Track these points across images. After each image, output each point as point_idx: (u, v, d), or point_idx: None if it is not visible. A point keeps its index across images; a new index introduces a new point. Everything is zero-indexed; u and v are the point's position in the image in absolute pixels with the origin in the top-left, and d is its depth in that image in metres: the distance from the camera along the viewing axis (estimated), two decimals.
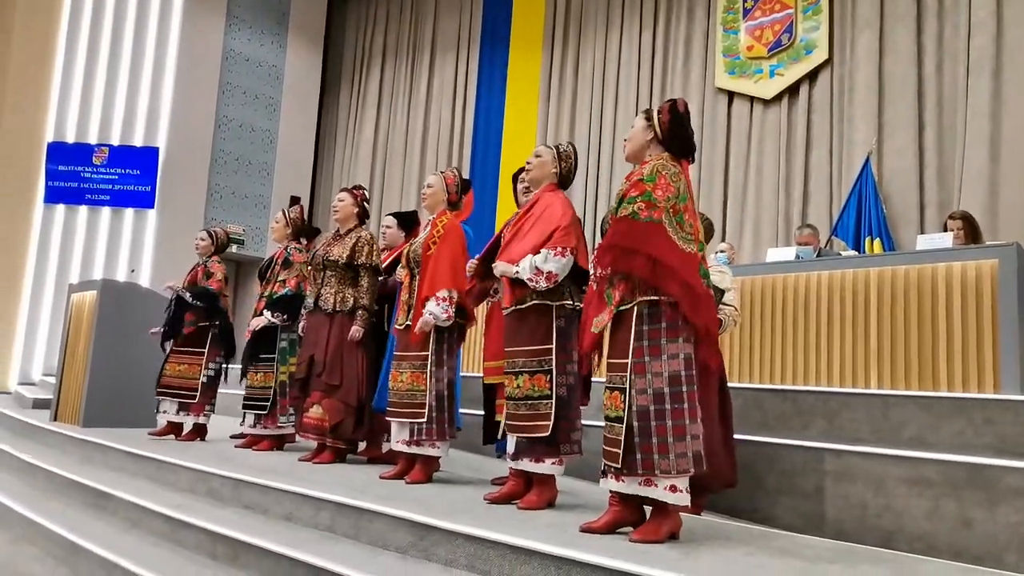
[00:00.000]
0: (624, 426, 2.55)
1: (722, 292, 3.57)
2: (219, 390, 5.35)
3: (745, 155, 8.11)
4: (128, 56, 10.26)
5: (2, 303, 9.47)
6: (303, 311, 4.64)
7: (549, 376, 3.07)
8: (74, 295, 6.44)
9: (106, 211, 10.07)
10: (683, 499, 2.54)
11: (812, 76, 7.74)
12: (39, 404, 7.34)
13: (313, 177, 12.25)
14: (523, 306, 3.17)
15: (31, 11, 9.88)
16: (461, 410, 4.03)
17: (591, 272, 2.83)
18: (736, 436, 3.45)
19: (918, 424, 3.60)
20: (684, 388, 2.55)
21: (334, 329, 4.35)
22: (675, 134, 2.79)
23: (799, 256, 4.98)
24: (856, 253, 6.17)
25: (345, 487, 3.38)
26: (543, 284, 3.08)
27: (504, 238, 3.35)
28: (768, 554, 2.49)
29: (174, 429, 5.25)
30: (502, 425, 3.46)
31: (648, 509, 2.66)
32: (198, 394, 5.13)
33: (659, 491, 2.53)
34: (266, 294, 4.92)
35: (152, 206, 10.10)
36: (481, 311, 3.98)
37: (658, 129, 2.81)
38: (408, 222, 4.88)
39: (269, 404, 4.76)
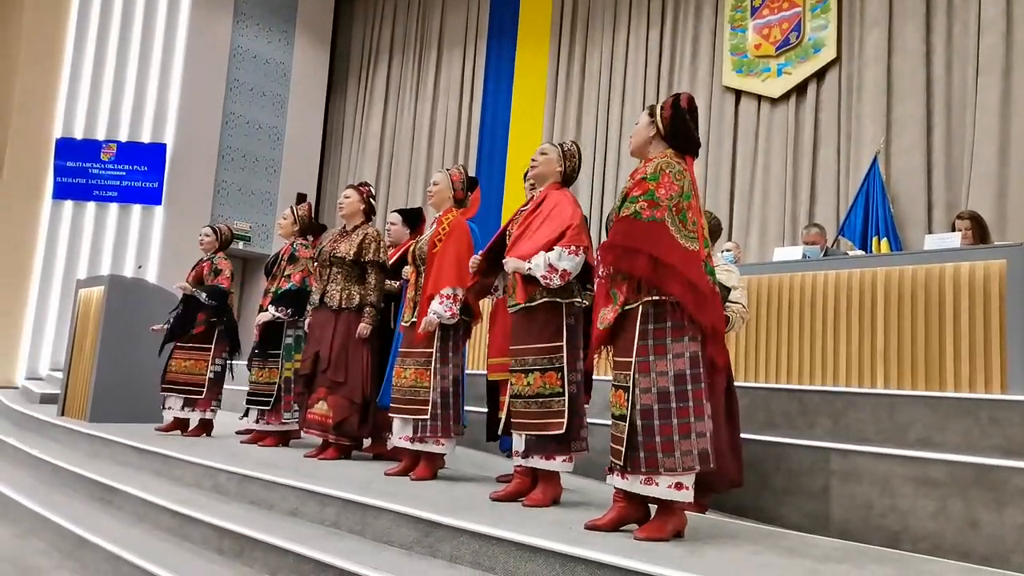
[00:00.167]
0: (627, 424, 2.55)
1: (728, 290, 3.56)
2: (225, 386, 5.37)
3: (752, 154, 8.08)
4: (136, 53, 10.29)
5: (10, 298, 9.52)
6: (308, 307, 4.64)
7: (561, 373, 3.07)
8: (82, 291, 6.47)
9: (114, 207, 10.10)
10: (687, 496, 2.54)
11: (820, 75, 7.71)
12: (46, 399, 7.37)
13: (320, 173, 12.27)
14: (532, 304, 3.16)
15: (40, 8, 9.91)
16: (466, 407, 4.03)
17: (598, 270, 2.82)
18: (742, 435, 3.45)
19: (925, 424, 3.59)
20: (690, 387, 2.55)
21: (340, 326, 4.36)
22: (678, 130, 2.77)
23: (806, 255, 4.96)
24: (863, 253, 6.15)
25: (350, 483, 3.39)
26: (557, 281, 3.08)
27: (512, 234, 3.34)
28: (775, 553, 2.48)
29: (180, 425, 5.27)
30: (503, 422, 3.46)
31: (653, 508, 2.66)
32: (205, 389, 5.15)
33: (661, 489, 2.53)
34: (272, 290, 4.93)
35: (159, 202, 10.14)
36: (485, 308, 3.98)
37: (661, 125, 2.79)
38: (413, 219, 4.88)
39: (272, 400, 4.78)
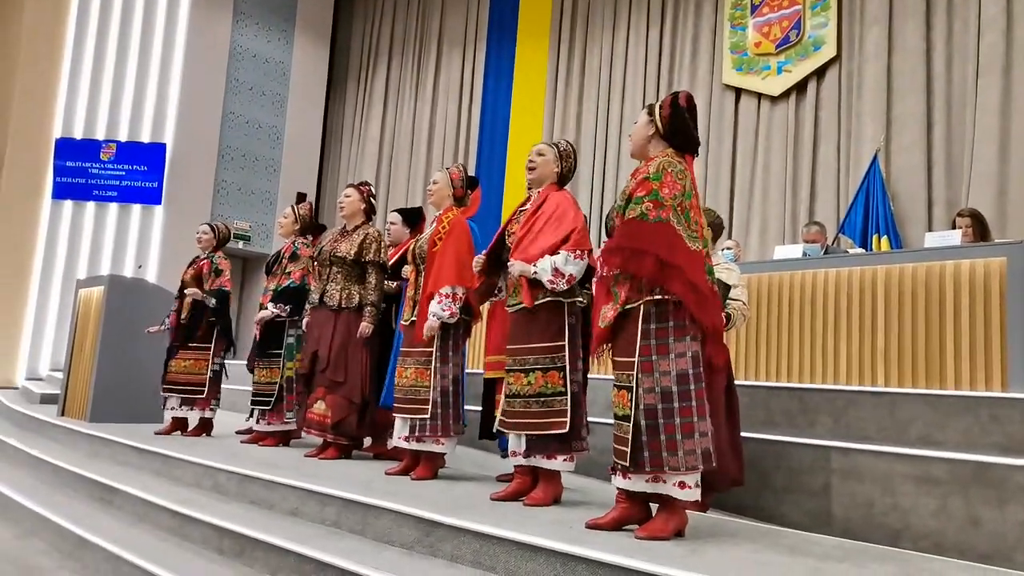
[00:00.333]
0: (631, 424, 2.55)
1: (728, 288, 3.56)
2: (223, 386, 5.36)
3: (752, 152, 8.08)
4: (136, 52, 10.30)
5: (10, 298, 9.52)
6: (307, 305, 4.63)
7: (563, 373, 3.07)
8: (81, 290, 6.46)
9: (113, 207, 10.11)
10: (693, 495, 2.54)
11: (820, 73, 7.70)
12: (46, 399, 7.37)
13: (320, 173, 12.27)
14: (535, 303, 3.16)
15: (40, 8, 9.91)
16: (466, 406, 4.03)
17: (597, 270, 2.82)
18: (743, 434, 3.45)
19: (925, 422, 3.59)
20: (692, 386, 2.55)
21: (339, 326, 4.35)
22: (677, 128, 2.76)
23: (806, 254, 4.96)
24: (863, 251, 6.15)
25: (351, 483, 3.38)
26: (563, 285, 3.10)
27: (515, 235, 3.33)
28: (775, 552, 2.48)
29: (179, 425, 5.27)
30: (496, 420, 3.46)
31: (654, 507, 2.65)
32: (205, 389, 5.15)
33: (668, 487, 2.54)
34: (272, 288, 4.93)
35: (159, 202, 10.13)
36: (484, 306, 3.98)
37: (660, 124, 2.78)
38: (413, 218, 4.87)
39: (273, 399, 4.77)
